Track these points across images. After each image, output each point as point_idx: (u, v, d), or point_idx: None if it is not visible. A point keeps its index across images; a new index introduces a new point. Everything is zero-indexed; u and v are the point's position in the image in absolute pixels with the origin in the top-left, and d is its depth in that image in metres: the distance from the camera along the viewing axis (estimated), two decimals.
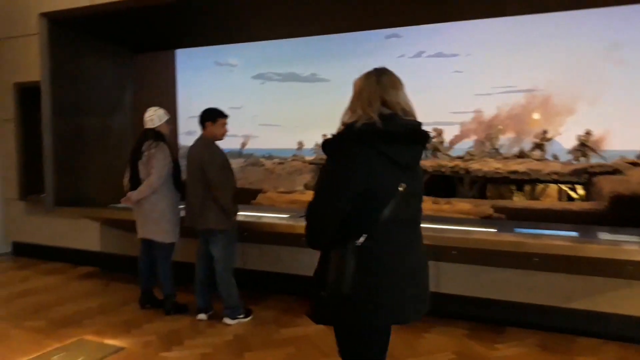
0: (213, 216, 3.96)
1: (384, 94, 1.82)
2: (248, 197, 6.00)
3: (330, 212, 1.76)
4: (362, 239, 1.73)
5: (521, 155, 5.44)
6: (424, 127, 1.86)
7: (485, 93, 5.50)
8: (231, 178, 4.10)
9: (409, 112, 1.85)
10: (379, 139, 1.72)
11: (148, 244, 4.37)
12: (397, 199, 1.74)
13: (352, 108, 1.84)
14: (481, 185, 5.12)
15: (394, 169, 1.75)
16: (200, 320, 4.17)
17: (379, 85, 1.84)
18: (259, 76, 7.00)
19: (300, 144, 6.50)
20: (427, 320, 4.11)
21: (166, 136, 4.33)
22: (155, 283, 4.44)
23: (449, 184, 5.25)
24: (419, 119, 1.89)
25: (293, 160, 6.60)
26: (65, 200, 5.38)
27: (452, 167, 5.23)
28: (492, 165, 5.24)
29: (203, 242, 4.17)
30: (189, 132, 6.50)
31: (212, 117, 4.09)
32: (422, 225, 1.95)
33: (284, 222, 4.43)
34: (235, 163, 6.23)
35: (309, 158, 6.60)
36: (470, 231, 3.92)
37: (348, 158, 1.73)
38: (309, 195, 5.92)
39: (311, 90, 6.55)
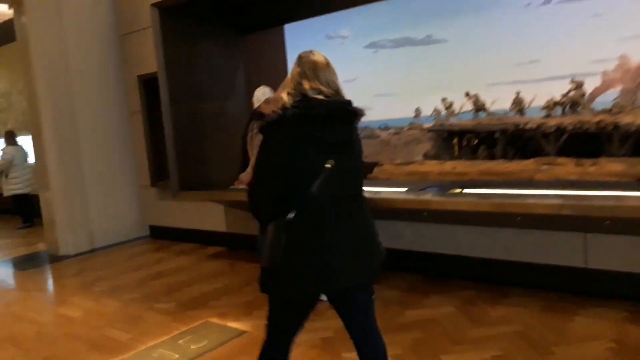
0: None
1: (303, 77, 1.91)
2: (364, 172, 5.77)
3: (264, 190, 1.90)
4: (291, 215, 1.82)
5: None
6: (355, 105, 1.94)
7: (631, 36, 4.67)
8: None
9: (333, 91, 1.92)
10: (301, 120, 1.82)
11: None
12: (325, 175, 1.82)
13: (280, 92, 1.98)
14: (635, 141, 4.36)
15: (320, 147, 1.84)
16: (321, 301, 4.03)
17: (299, 67, 1.95)
18: (371, 45, 6.66)
19: (418, 112, 6.08)
20: (575, 300, 3.58)
21: (267, 115, 4.22)
22: None
23: (593, 142, 4.55)
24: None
25: (409, 129, 6.22)
26: (190, 184, 5.55)
27: (597, 123, 4.51)
28: None
29: None
30: None
31: None
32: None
33: (403, 196, 4.11)
34: None
35: (427, 125, 6.16)
36: (625, 197, 3.31)
37: (273, 140, 1.87)
38: (428, 166, 5.47)
39: (427, 53, 6.10)
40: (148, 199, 6.93)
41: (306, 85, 1.89)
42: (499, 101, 5.68)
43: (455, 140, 6.59)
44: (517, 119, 5.27)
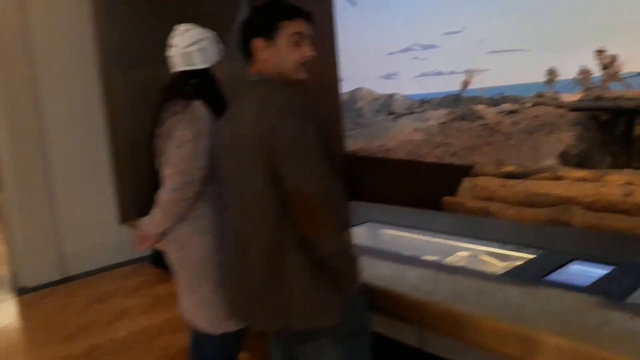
0: (299, 299, 1.48)
1: None
2: (442, 187, 3.18)
3: None
4: None
5: None
6: None
7: None
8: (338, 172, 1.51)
9: None
10: None
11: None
12: None
13: None
14: None
15: None
16: None
17: None
18: None
19: (552, 74, 3.49)
20: None
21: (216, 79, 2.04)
22: None
23: None
24: None
25: (536, 104, 3.54)
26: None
27: None
28: None
29: (283, 354, 1.66)
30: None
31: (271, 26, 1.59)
32: None
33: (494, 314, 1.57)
34: (432, 117, 3.67)
35: (569, 97, 3.49)
36: None
37: None
38: (570, 183, 2.78)
39: None
40: None
41: None
42: None
43: (623, 127, 3.70)
44: None
